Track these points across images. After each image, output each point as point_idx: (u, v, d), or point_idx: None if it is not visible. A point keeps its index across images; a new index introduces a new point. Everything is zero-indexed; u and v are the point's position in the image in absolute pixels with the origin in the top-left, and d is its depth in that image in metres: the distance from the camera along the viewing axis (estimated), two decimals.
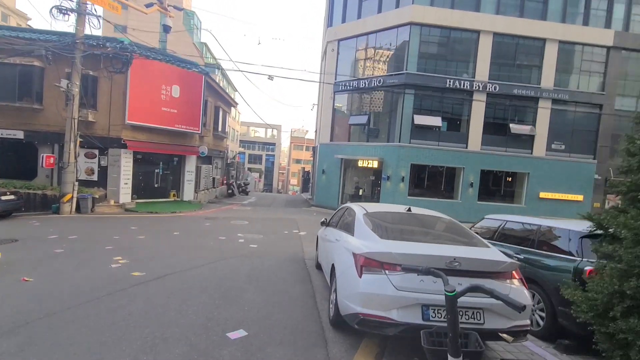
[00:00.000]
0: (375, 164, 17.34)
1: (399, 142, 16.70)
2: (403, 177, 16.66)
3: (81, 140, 13.85)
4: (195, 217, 13.78)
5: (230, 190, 24.26)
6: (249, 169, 55.37)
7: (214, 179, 21.65)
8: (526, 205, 17.39)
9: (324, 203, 19.64)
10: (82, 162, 14.66)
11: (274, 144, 66.19)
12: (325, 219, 6.41)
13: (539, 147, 17.39)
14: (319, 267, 6.59)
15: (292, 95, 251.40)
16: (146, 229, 10.52)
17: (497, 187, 18.05)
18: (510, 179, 18.14)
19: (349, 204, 5.51)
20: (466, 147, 17.08)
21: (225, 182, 24.72)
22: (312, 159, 30.80)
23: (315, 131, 26.89)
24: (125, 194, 15.05)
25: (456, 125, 17.59)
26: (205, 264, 6.57)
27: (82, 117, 13.91)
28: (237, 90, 46.92)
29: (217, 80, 29.50)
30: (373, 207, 4.88)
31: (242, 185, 27.54)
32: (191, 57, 18.41)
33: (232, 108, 28.32)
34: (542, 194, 17.34)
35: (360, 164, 18.03)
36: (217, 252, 7.76)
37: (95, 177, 14.87)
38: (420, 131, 16.85)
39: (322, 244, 6.07)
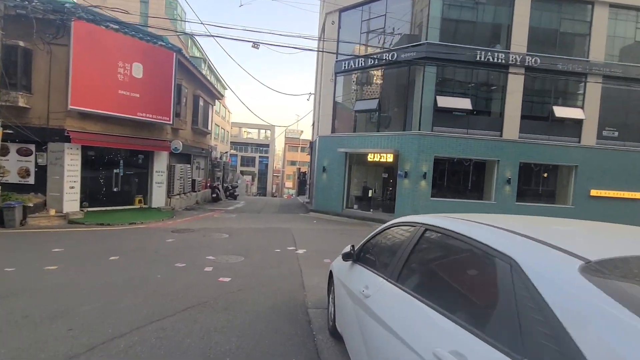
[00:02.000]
0: (389, 158, 14.00)
1: (419, 129, 13.41)
2: (425, 173, 13.36)
3: (11, 132, 10.59)
4: (159, 230, 10.42)
5: (215, 194, 20.83)
6: (242, 172, 51.99)
7: (194, 181, 18.25)
8: (574, 205, 14.17)
9: (325, 207, 16.28)
10: (13, 161, 11.32)
11: (267, 146, 62.68)
12: (352, 248, 3.07)
13: (588, 135, 14.19)
14: (334, 333, 3.39)
15: (286, 84, 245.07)
16: (75, 251, 7.22)
17: (537, 184, 14.81)
18: (546, 175, 14.95)
19: (442, 219, 2.11)
20: (501, 135, 13.82)
21: (209, 185, 21.30)
22: (308, 158, 27.47)
23: (313, 124, 23.60)
24: (71, 201, 11.64)
25: (488, 109, 14.33)
26: (110, 340, 3.25)
27: (11, 102, 10.68)
28: (227, 88, 43.43)
29: (205, 74, 26.13)
30: (546, 232, 1.70)
31: (230, 188, 24.07)
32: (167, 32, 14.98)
33: (217, 101, 24.91)
34: (594, 192, 14.14)
35: (370, 158, 14.67)
36: (156, 299, 4.47)
37: (31, 180, 11.48)
38: (445, 117, 13.57)
39: (348, 305, 2.77)
